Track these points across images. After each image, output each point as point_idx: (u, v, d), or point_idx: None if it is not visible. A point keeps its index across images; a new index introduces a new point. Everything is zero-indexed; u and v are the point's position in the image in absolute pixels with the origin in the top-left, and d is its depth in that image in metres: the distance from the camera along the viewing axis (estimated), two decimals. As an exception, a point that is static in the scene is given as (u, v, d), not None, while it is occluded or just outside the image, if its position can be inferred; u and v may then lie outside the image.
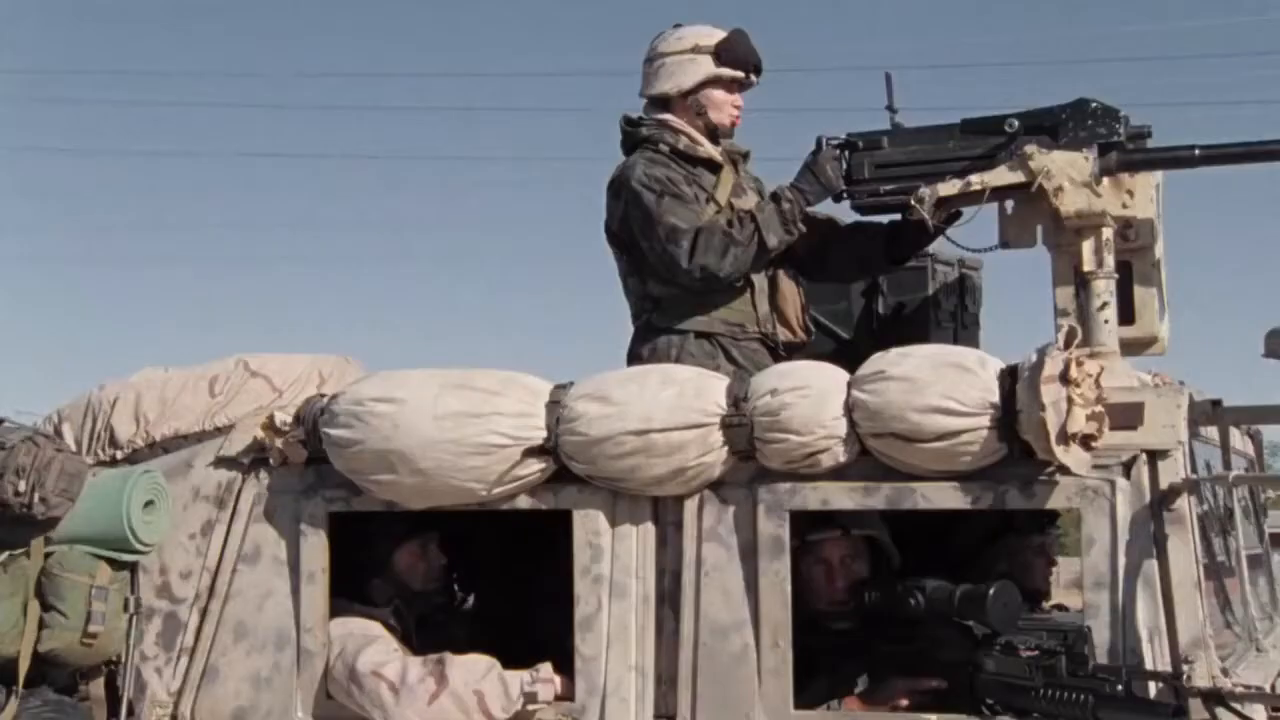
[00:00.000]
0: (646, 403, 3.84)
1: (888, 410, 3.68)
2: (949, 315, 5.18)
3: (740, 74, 4.79)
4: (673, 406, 3.83)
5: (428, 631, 4.41)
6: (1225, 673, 3.53)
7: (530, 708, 3.95)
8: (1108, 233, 4.15)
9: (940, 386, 3.64)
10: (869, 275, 5.04)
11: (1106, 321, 4.14)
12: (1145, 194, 4.22)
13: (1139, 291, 4.37)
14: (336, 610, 4.22)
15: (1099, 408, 3.60)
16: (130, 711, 4.22)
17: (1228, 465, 4.02)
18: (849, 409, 3.74)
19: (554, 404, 3.94)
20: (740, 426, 3.80)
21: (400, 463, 3.95)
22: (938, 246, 4.88)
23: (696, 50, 4.75)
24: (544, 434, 3.91)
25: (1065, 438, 3.53)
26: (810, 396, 3.77)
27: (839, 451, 3.76)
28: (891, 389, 3.69)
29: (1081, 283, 4.18)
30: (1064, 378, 3.53)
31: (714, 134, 4.84)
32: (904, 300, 5.14)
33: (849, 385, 3.78)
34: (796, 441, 3.75)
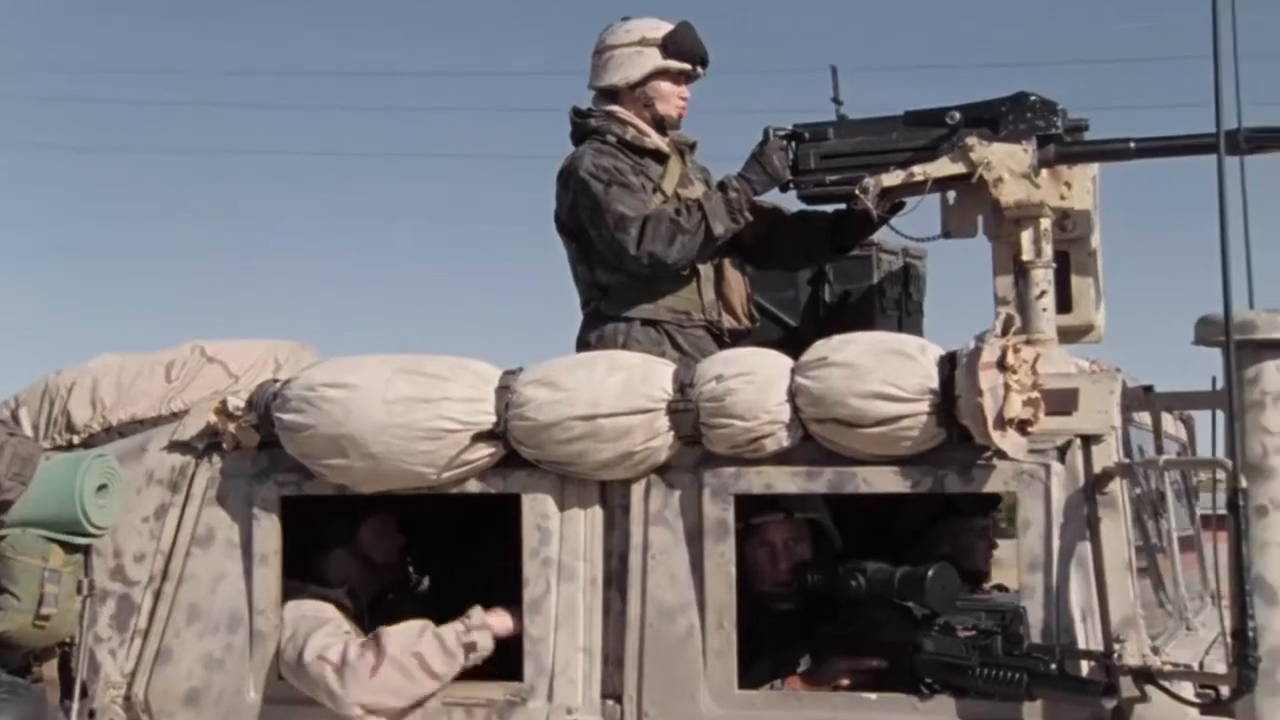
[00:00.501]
0: (594, 388, 3.89)
1: (830, 396, 3.74)
2: (894, 303, 5.24)
3: (687, 66, 4.86)
4: (620, 392, 3.88)
5: (381, 613, 4.44)
6: (1155, 651, 3.60)
7: (473, 656, 4.01)
8: (1046, 223, 4.22)
9: (881, 373, 3.70)
10: (814, 264, 5.10)
11: (1045, 310, 4.21)
12: (1082, 185, 4.30)
13: (1076, 281, 4.44)
14: (291, 592, 4.25)
15: (1035, 393, 3.67)
16: (84, 693, 4.23)
17: (1159, 450, 4.10)
18: (792, 395, 3.80)
19: (503, 389, 3.98)
20: (686, 412, 3.86)
21: (351, 447, 3.98)
22: (882, 236, 4.96)
23: (644, 43, 4.82)
24: (493, 419, 3.95)
25: (1002, 423, 3.60)
26: (755, 382, 3.82)
27: (782, 436, 3.82)
28: (834, 375, 3.75)
29: (1020, 272, 4.24)
30: (1001, 364, 3.60)
31: (661, 125, 4.90)
32: (850, 288, 5.20)
33: (793, 371, 3.84)
34: (741, 427, 3.81)
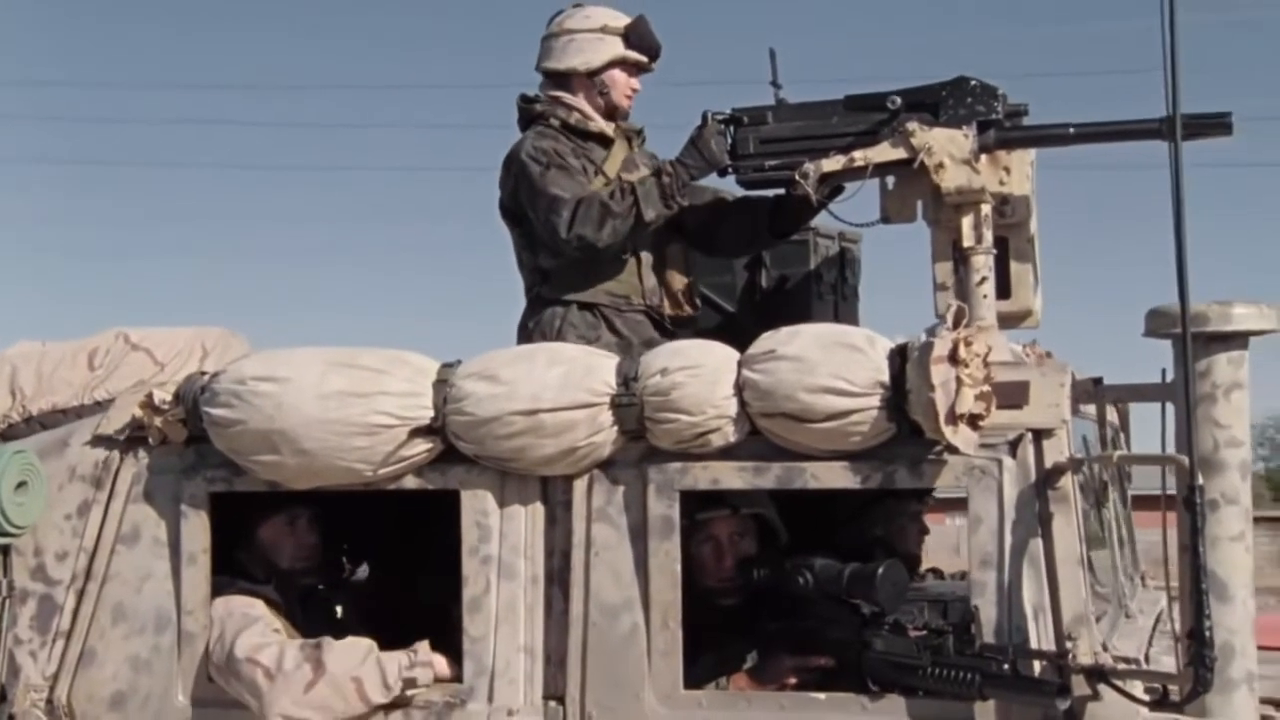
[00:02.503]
0: (535, 382, 3.71)
1: (779, 390, 3.58)
2: (830, 288, 5.15)
3: (644, 59, 4.79)
4: (561, 386, 3.70)
5: (312, 608, 4.25)
6: (1105, 648, 3.50)
7: (410, 692, 3.82)
8: (986, 209, 4.12)
9: (830, 366, 3.56)
10: (755, 250, 4.99)
11: (985, 296, 4.11)
12: (1021, 171, 4.21)
13: (1015, 267, 4.37)
14: (219, 587, 4.04)
15: (986, 387, 3.54)
16: (2, 697, 4.03)
17: (1104, 443, 3.99)
18: (740, 389, 3.64)
19: (441, 383, 3.79)
20: (630, 406, 3.69)
21: (283, 443, 3.78)
22: (820, 221, 4.84)
23: (605, 30, 4.73)
24: (431, 413, 3.77)
25: (954, 418, 3.46)
26: (701, 376, 3.66)
27: (730, 431, 3.66)
28: (782, 369, 3.59)
29: (961, 258, 4.14)
30: (953, 358, 3.46)
31: (611, 113, 4.80)
32: (786, 273, 5.10)
33: (740, 365, 3.68)
34: (687, 421, 3.65)
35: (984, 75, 4.15)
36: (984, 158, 4.09)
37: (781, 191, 4.48)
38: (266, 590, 4.12)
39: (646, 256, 4.69)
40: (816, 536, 4.25)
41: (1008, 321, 4.30)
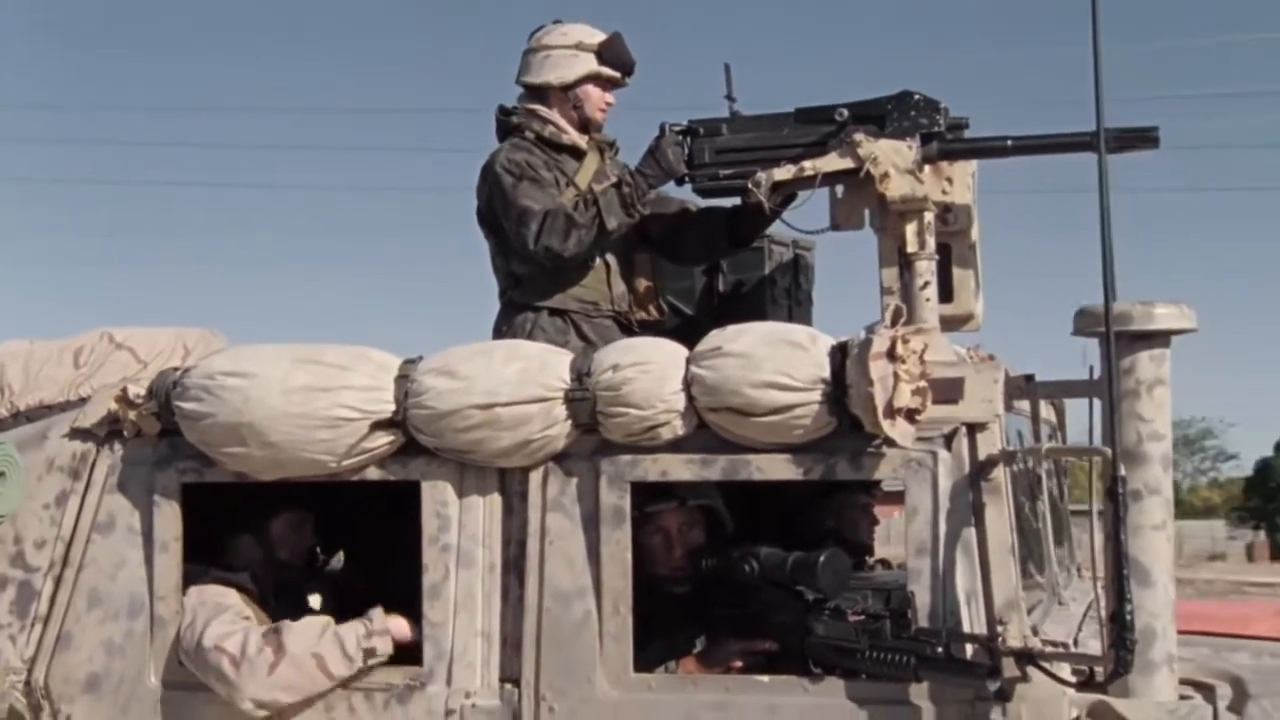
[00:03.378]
0: (492, 377, 3.83)
1: (725, 385, 3.71)
2: (784, 293, 5.25)
3: (617, 75, 4.92)
4: (517, 381, 3.83)
5: (284, 596, 4.37)
6: (1035, 631, 3.62)
7: (371, 661, 3.95)
8: (929, 216, 4.21)
9: (774, 362, 3.68)
10: (715, 258, 5.09)
11: (928, 300, 4.20)
12: (963, 181, 4.29)
13: (957, 272, 4.42)
14: (193, 576, 4.16)
15: (923, 383, 3.67)
16: None
17: (1037, 437, 4.12)
18: (688, 384, 3.77)
19: (402, 378, 3.91)
20: (583, 401, 3.81)
21: (250, 436, 3.90)
22: (775, 229, 4.95)
23: (580, 47, 4.87)
24: (392, 407, 3.88)
25: (891, 412, 3.59)
26: (650, 372, 3.78)
27: (678, 425, 3.78)
28: (728, 365, 3.72)
29: (905, 263, 4.23)
30: (890, 354, 3.58)
31: (585, 126, 4.94)
32: (742, 278, 5.20)
33: (688, 361, 3.81)
34: (636, 415, 3.77)
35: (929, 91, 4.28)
36: (927, 168, 4.19)
37: (739, 201, 4.61)
38: (241, 579, 4.23)
39: (615, 263, 4.84)
40: (771, 528, 4.37)
41: (950, 324, 4.36)
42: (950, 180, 4.22)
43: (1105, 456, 3.45)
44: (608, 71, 4.88)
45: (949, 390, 3.75)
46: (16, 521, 4.21)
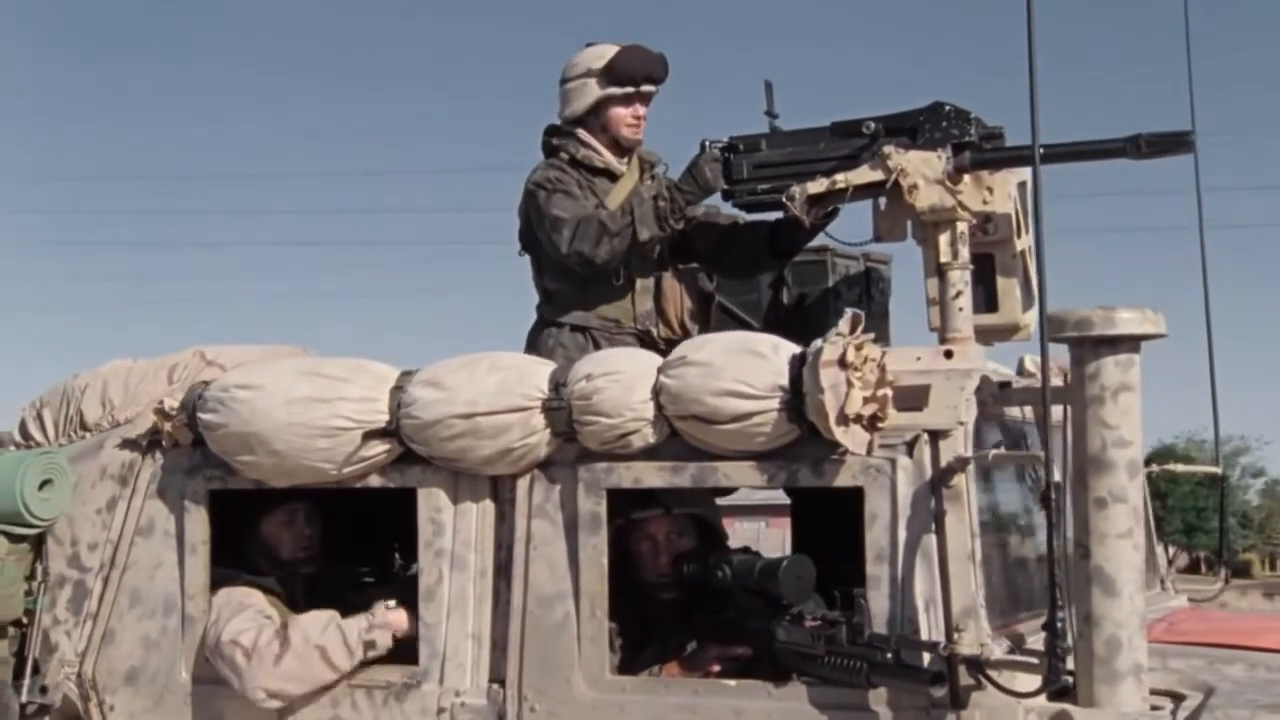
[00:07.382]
0: (473, 388, 3.90)
1: (687, 394, 3.70)
2: (851, 305, 5.15)
3: (630, 89, 4.78)
4: (497, 391, 3.88)
5: (319, 596, 4.47)
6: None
7: (371, 653, 4.05)
8: (962, 226, 4.09)
9: (733, 371, 3.66)
10: (761, 270, 5.01)
11: (961, 309, 4.06)
12: (1004, 191, 4.15)
13: (1001, 282, 4.29)
14: (225, 579, 4.32)
15: (883, 390, 3.60)
16: (35, 670, 4.39)
17: (1010, 445, 3.98)
18: (656, 393, 3.77)
19: (397, 389, 4.01)
20: (559, 410, 3.84)
21: (258, 444, 4.05)
22: (845, 239, 4.85)
23: (587, 74, 4.77)
24: (386, 417, 3.98)
25: (844, 419, 3.53)
26: (620, 381, 3.80)
27: (648, 433, 3.79)
28: (690, 374, 3.71)
29: (939, 274, 4.15)
30: (842, 362, 3.53)
31: (620, 146, 4.86)
32: (806, 291, 5.10)
33: (658, 370, 3.81)
34: (607, 423, 3.79)
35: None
36: (967, 178, 4.07)
37: (781, 215, 4.57)
38: (268, 582, 4.37)
39: (644, 283, 4.77)
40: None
41: (997, 334, 4.25)
42: (991, 190, 4.10)
43: (1040, 463, 3.33)
44: (617, 90, 4.76)
45: (913, 398, 3.67)
46: (74, 525, 4.46)
